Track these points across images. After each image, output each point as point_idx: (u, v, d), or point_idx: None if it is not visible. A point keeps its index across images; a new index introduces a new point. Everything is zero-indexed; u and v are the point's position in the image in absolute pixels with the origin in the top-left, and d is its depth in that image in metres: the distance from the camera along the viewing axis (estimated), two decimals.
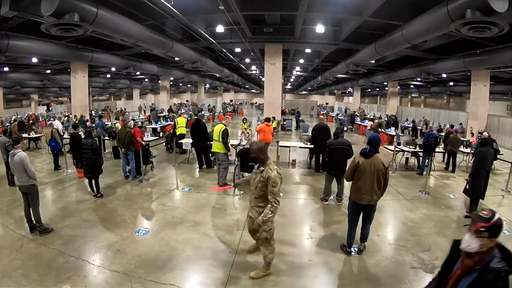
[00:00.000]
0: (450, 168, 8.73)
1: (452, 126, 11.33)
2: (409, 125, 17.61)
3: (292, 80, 33.33)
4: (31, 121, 16.49)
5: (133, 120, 10.66)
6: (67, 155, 8.21)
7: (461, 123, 15.04)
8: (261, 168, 3.16)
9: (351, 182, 3.82)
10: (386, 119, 16.40)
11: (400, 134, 12.70)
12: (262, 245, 3.31)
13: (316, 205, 5.69)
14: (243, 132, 10.29)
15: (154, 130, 13.03)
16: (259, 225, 3.07)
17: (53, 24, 6.27)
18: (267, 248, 3.29)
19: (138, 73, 22.24)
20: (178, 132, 9.93)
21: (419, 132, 15.16)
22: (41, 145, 10.99)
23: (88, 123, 12.74)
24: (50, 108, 29.08)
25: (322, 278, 3.52)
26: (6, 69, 17.23)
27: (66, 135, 10.03)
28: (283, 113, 18.77)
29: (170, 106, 22.58)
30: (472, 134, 12.29)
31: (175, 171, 7.75)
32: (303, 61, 18.78)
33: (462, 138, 11.85)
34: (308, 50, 14.57)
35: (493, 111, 17.78)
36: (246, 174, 6.73)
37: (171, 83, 28.02)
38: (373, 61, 14.52)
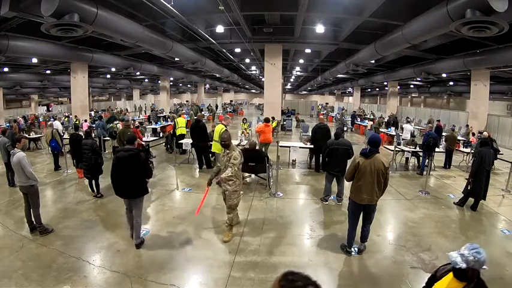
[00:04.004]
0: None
1: (438, 121, 11.47)
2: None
3: (292, 80, 33.27)
4: (30, 121, 16.48)
5: (133, 120, 10.67)
6: (67, 156, 8.22)
7: (467, 125, 14.28)
8: (227, 151, 4.15)
9: (351, 182, 3.82)
10: (386, 118, 16.36)
11: (400, 134, 12.67)
12: (230, 212, 4.21)
13: (316, 205, 5.69)
14: (243, 132, 10.31)
15: (154, 130, 13.03)
16: (224, 179, 3.98)
17: (52, 24, 6.26)
18: (233, 213, 4.27)
19: (138, 73, 22.21)
20: (178, 132, 9.92)
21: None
22: (41, 145, 11.00)
23: (87, 123, 12.61)
24: (50, 109, 29.02)
25: (322, 278, 3.52)
26: (6, 69, 17.19)
27: (66, 136, 10.03)
28: (283, 113, 18.72)
29: (176, 105, 22.44)
30: (473, 134, 12.30)
31: (175, 171, 7.74)
32: (302, 61, 18.74)
33: (462, 138, 11.85)
34: (308, 50, 14.54)
35: (493, 111, 17.76)
36: (246, 174, 6.73)
37: (171, 83, 27.99)
38: (373, 61, 14.48)
